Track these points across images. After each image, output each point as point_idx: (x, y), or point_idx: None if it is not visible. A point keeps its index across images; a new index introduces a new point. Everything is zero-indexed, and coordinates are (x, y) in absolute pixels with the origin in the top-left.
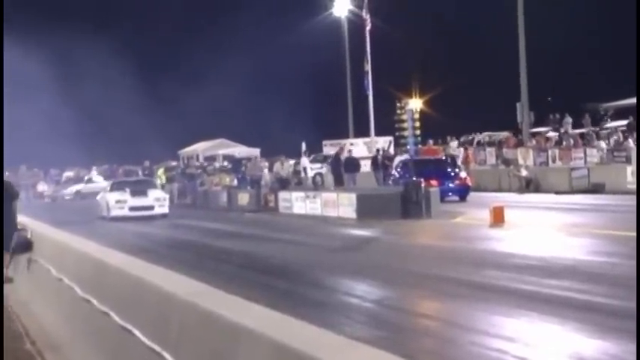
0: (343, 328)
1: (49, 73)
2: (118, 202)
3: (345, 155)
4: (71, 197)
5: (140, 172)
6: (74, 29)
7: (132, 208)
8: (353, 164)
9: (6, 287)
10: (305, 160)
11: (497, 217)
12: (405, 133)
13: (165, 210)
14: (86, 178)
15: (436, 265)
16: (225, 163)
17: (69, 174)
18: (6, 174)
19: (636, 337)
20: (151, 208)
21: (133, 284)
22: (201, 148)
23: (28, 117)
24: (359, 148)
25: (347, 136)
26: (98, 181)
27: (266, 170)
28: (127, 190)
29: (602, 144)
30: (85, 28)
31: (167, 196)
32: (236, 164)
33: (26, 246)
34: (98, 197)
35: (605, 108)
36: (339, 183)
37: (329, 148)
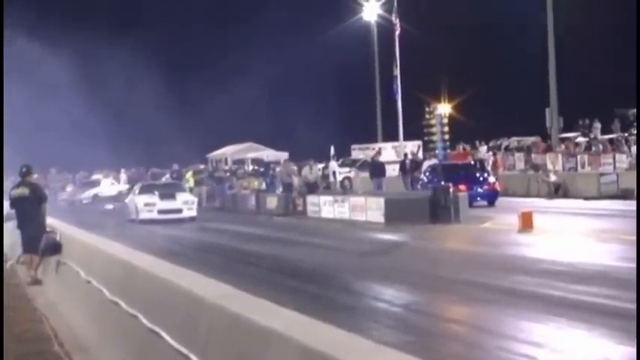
0: (371, 333)
1: (77, 75)
2: (146, 204)
3: (370, 159)
4: (89, 201)
5: (168, 176)
6: (101, 29)
7: (160, 211)
8: (379, 169)
9: (35, 289)
10: (334, 164)
11: (526, 223)
12: (434, 138)
13: (194, 213)
14: (102, 182)
15: (464, 270)
16: (256, 167)
17: (97, 177)
18: (35, 176)
19: (636, 337)
20: (180, 211)
21: (162, 287)
22: (229, 151)
23: (57, 119)
24: (387, 152)
25: (375, 141)
26: (109, 185)
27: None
28: (156, 193)
29: (632, 149)
30: (112, 29)
31: (195, 200)
32: (265, 168)
33: (55, 248)
34: (127, 200)
35: (634, 114)
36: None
37: (357, 152)
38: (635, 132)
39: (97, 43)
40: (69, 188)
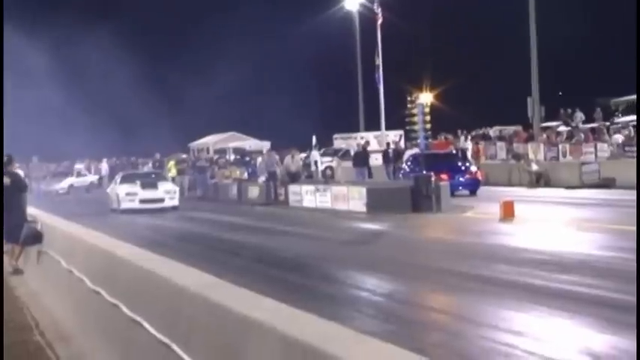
0: (353, 322)
1: (57, 65)
2: (128, 194)
3: (354, 149)
4: (65, 191)
5: (150, 165)
6: (80, 18)
7: (142, 201)
8: (363, 158)
9: (16, 279)
10: (315, 154)
11: (508, 212)
12: (416, 127)
13: (176, 202)
14: (76, 171)
15: (446, 259)
16: (238, 157)
17: (79, 166)
18: (17, 166)
19: (636, 336)
20: (162, 200)
21: (143, 277)
22: (211, 141)
23: (40, 109)
24: (369, 141)
25: (357, 130)
26: (87, 174)
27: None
28: (138, 182)
29: (619, 137)
30: (92, 19)
31: (177, 189)
32: (243, 157)
33: (36, 238)
34: (108, 190)
35: (615, 103)
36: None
37: (339, 142)
38: (618, 121)
39: (79, 34)
40: (48, 178)
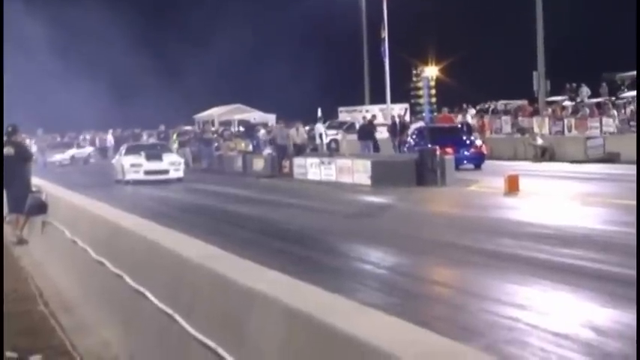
0: (356, 294)
1: (64, 37)
2: (133, 165)
3: (359, 122)
4: (68, 162)
5: (155, 136)
6: None
7: (147, 172)
8: (368, 131)
9: (20, 249)
10: (320, 127)
11: (512, 186)
12: (421, 101)
13: (181, 174)
14: (75, 142)
15: (450, 233)
16: (243, 129)
17: (85, 137)
18: (23, 136)
19: (636, 335)
20: (166, 172)
21: (147, 247)
22: (217, 113)
23: (44, 81)
24: (374, 114)
25: (363, 103)
26: (85, 146)
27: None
28: (142, 153)
29: (626, 112)
30: None
31: (182, 160)
32: (247, 130)
33: (41, 208)
34: (113, 161)
35: (621, 78)
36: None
37: (344, 115)
38: (622, 96)
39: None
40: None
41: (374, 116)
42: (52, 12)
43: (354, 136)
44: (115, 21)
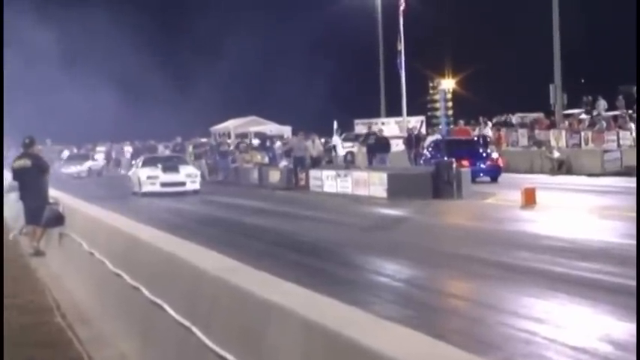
0: (373, 307)
1: (76, 47)
2: (149, 177)
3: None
4: (85, 174)
5: (169, 148)
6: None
7: (163, 184)
8: (383, 144)
9: (37, 260)
10: (337, 139)
11: (529, 199)
12: (437, 113)
13: (197, 186)
14: (91, 155)
15: (466, 246)
16: (260, 142)
17: (100, 149)
18: (38, 147)
19: (636, 334)
20: (183, 184)
21: (164, 260)
22: (233, 125)
23: (56, 91)
24: (390, 127)
25: (378, 116)
26: (97, 159)
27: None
28: (159, 166)
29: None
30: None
31: (199, 173)
32: (263, 142)
33: (58, 220)
34: (130, 173)
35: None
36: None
37: (360, 127)
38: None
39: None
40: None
41: (380, 130)
42: (66, 23)
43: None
44: (128, 32)
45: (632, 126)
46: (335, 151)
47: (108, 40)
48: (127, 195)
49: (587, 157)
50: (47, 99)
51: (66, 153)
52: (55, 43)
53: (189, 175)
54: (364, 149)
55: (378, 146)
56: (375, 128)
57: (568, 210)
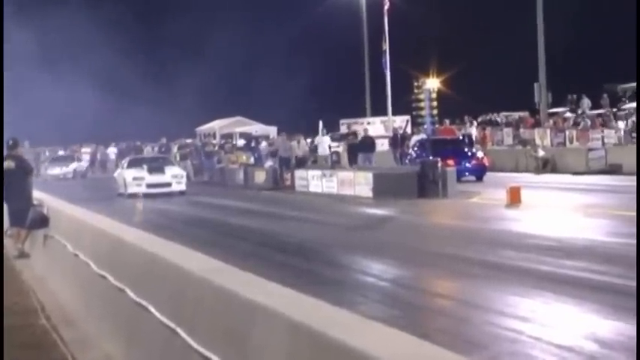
0: (359, 307)
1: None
2: (135, 179)
3: (361, 135)
4: (71, 175)
5: (156, 149)
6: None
7: (149, 185)
8: (369, 144)
9: (22, 262)
10: (326, 139)
11: (514, 198)
12: (422, 113)
13: (183, 187)
14: (76, 156)
15: (452, 245)
16: (245, 142)
17: (86, 150)
18: (21, 149)
19: (636, 334)
20: (169, 185)
21: (149, 261)
22: (218, 125)
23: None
24: (376, 127)
25: (364, 115)
26: (85, 159)
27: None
28: (145, 167)
29: (620, 124)
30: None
31: (184, 174)
32: (248, 142)
33: (42, 221)
34: (115, 174)
35: (623, 89)
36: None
37: (346, 127)
38: (624, 107)
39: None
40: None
41: (352, 131)
42: (44, 22)
43: None
44: (110, 32)
45: (616, 124)
46: (327, 150)
47: (89, 40)
48: (112, 196)
49: (572, 156)
50: (25, 100)
51: (46, 154)
52: (33, 42)
53: (175, 176)
54: None
55: (363, 146)
56: (359, 128)
57: (553, 208)
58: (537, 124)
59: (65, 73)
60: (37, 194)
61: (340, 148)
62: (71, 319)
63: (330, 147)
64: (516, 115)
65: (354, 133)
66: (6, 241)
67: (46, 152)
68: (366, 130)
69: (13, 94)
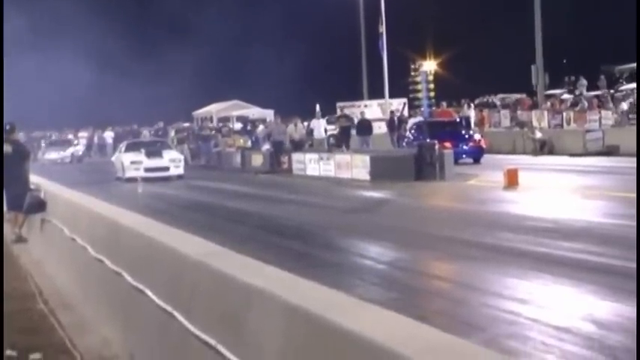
0: (356, 290)
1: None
2: (133, 162)
3: (357, 118)
4: (69, 160)
5: (152, 132)
6: None
7: (147, 169)
8: (366, 126)
9: (19, 246)
10: (322, 122)
11: (511, 180)
12: (419, 95)
13: (181, 171)
14: (75, 141)
15: (449, 227)
16: (242, 125)
17: (83, 134)
18: (20, 134)
19: (636, 334)
20: (167, 169)
21: (146, 245)
22: (215, 109)
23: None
24: (373, 110)
25: (361, 98)
26: (82, 143)
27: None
28: (142, 151)
29: (624, 105)
30: None
31: (182, 157)
32: (245, 126)
33: (39, 206)
34: (113, 158)
35: (620, 70)
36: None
37: (342, 111)
38: (622, 89)
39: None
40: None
41: (343, 113)
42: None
43: (352, 132)
44: (106, 15)
45: (614, 106)
46: (317, 132)
47: (83, 23)
48: (109, 180)
49: (569, 138)
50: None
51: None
52: (24, 24)
53: (172, 160)
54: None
55: (360, 129)
56: (356, 111)
57: (551, 190)
58: (534, 105)
59: (57, 56)
60: (34, 178)
61: (337, 131)
62: (69, 303)
63: (326, 130)
64: (513, 97)
65: (346, 116)
66: (4, 226)
67: (53, 136)
68: (362, 113)
69: (6, 79)
